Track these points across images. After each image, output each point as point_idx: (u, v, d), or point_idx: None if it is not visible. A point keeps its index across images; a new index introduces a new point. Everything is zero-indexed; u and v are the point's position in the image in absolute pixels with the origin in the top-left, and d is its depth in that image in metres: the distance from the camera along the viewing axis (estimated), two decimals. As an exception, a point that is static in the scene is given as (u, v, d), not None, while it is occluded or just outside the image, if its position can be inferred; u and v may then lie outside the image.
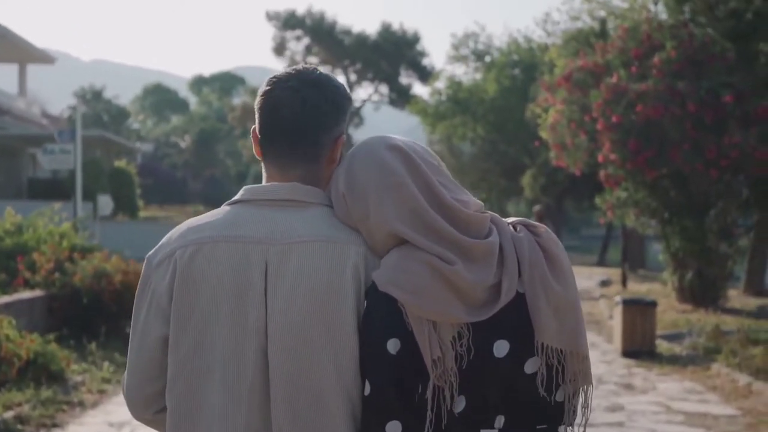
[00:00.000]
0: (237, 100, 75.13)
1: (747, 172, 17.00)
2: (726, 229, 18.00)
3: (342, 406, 2.12)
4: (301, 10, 61.42)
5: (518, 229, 2.25)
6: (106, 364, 10.87)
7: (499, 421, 2.13)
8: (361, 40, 60.13)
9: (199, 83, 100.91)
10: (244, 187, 2.27)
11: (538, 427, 2.17)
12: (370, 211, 2.17)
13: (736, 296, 19.37)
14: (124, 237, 27.17)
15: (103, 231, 25.18)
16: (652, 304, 12.90)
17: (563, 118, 18.90)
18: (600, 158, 17.54)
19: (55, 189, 32.40)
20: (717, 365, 11.46)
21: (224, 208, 2.27)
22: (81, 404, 9.22)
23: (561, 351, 2.15)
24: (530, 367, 2.14)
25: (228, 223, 2.20)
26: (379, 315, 2.11)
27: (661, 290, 20.41)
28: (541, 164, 33.63)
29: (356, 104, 56.44)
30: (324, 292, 2.11)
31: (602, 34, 22.41)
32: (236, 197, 2.27)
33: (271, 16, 61.69)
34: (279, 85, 2.27)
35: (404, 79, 61.25)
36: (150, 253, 2.27)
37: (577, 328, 2.19)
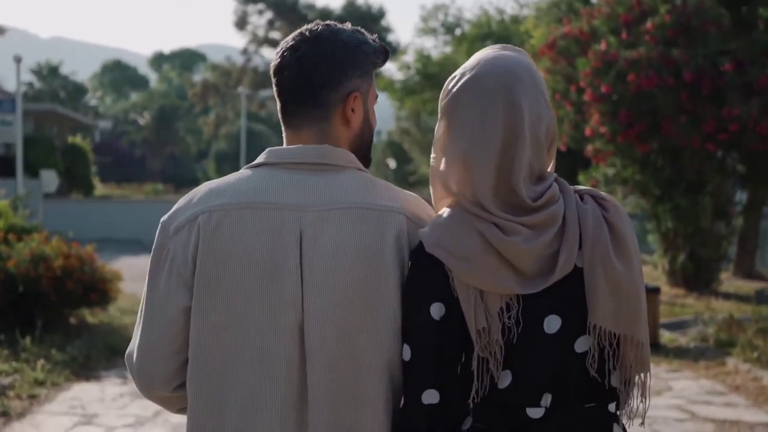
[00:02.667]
0: (198, 77, 73.38)
1: (746, 147, 15.76)
2: (722, 208, 16.84)
3: (384, 382, 2.04)
4: (263, -16, 59.98)
5: (585, 199, 2.11)
6: (41, 362, 9.36)
7: (546, 399, 2.04)
8: (325, 14, 58.72)
9: (159, 60, 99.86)
10: (268, 149, 2.16)
11: (586, 405, 2.06)
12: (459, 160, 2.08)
13: (726, 279, 18.23)
14: (72, 216, 25.57)
15: (50, 210, 23.66)
16: (655, 291, 11.62)
17: (547, 89, 17.61)
18: (588, 131, 16.30)
19: (6, 166, 30.65)
20: (733, 360, 10.20)
21: (246, 172, 2.14)
22: (5, 414, 7.78)
23: (615, 335, 2.04)
24: (581, 346, 2.04)
25: (255, 188, 2.08)
26: (424, 277, 2.03)
27: (648, 273, 19.23)
28: (514, 141, 32.56)
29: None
30: (365, 264, 2.02)
31: (587, -1, 21.15)
32: (260, 159, 2.16)
33: (232, -10, 60.24)
34: (284, 46, 2.21)
35: (369, 55, 60.08)
36: (164, 218, 2.14)
37: (636, 312, 2.05)
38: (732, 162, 17.10)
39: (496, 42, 35.15)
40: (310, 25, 2.21)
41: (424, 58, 36.19)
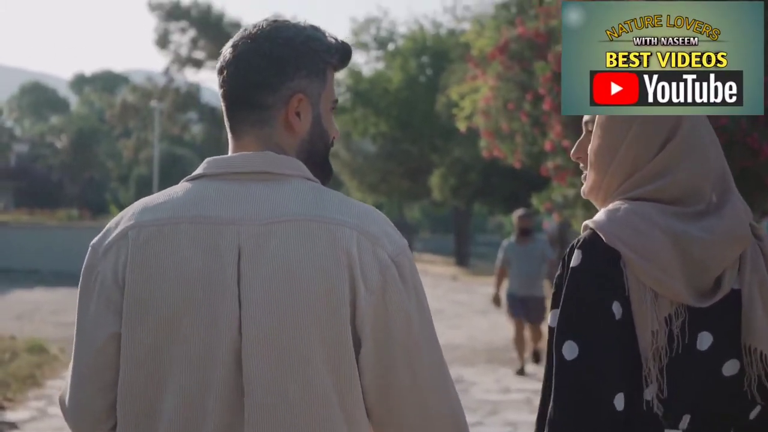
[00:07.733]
0: (119, 99, 70.88)
1: (732, 163, 13.80)
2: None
3: (338, 410, 1.83)
4: (186, 1, 57.87)
5: None
6: None
7: (684, 421, 1.97)
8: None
9: (80, 82, 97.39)
10: (207, 159, 1.99)
11: None
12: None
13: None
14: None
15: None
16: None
17: (497, 99, 15.58)
18: (548, 146, 14.26)
19: None
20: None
21: (184, 185, 1.97)
22: None
23: None
24: (728, 369, 1.99)
25: (192, 202, 1.91)
26: (602, 271, 1.94)
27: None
28: (451, 163, 30.77)
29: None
30: (311, 281, 1.83)
31: (541, -1, 19.24)
32: (198, 171, 1.98)
33: (153, 6, 57.96)
34: (228, 44, 2.04)
35: (297, 75, 58.39)
36: (94, 240, 1.97)
37: None
38: (708, 181, 15.23)
39: (431, 56, 33.45)
40: (258, 21, 2.01)
41: (355, 74, 34.34)
